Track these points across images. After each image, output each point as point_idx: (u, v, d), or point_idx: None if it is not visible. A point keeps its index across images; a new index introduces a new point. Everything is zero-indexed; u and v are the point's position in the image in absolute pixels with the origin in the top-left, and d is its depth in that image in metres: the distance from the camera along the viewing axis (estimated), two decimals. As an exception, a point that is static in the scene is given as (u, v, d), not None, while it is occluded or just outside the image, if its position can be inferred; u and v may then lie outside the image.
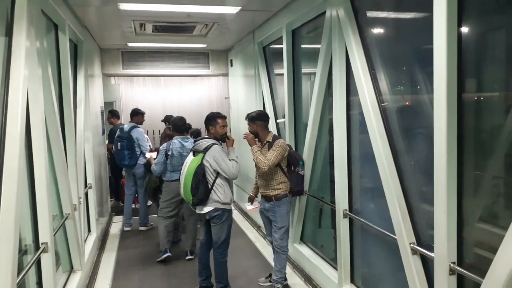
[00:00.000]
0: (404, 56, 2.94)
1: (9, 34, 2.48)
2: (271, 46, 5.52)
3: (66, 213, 3.62)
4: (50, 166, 3.49)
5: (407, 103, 2.94)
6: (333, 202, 3.85)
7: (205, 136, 3.86)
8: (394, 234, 2.68)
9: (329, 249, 4.25)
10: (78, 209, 4.06)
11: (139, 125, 6.13)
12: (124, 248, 5.47)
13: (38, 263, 2.76)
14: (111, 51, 7.14)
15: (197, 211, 3.77)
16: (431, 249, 2.34)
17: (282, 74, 4.80)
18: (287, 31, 4.55)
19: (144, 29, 5.48)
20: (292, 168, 3.91)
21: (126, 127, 6.01)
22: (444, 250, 2.14)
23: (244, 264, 4.74)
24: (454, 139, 2.08)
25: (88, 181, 5.14)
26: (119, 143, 5.95)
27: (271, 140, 3.79)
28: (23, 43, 2.49)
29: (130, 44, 6.69)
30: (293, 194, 3.98)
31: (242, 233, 5.94)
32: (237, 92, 7.32)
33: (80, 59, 4.99)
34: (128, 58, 7.27)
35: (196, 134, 5.63)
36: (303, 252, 4.41)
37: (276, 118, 5.32)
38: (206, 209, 3.67)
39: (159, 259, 4.82)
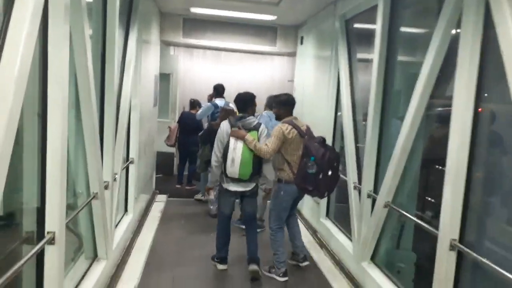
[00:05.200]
0: None
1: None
2: (356, 24, 4.57)
3: (93, 192, 3.00)
4: (76, 133, 2.89)
5: None
6: (425, 220, 3.01)
7: (244, 114, 3.90)
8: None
9: (408, 277, 3.36)
10: (111, 188, 3.45)
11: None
12: (163, 232, 4.90)
13: (40, 257, 2.12)
14: (172, 17, 6.51)
15: (235, 188, 3.81)
16: None
17: (367, 60, 3.91)
18: (385, -3, 3.59)
19: (210, -11, 4.75)
20: (305, 162, 3.62)
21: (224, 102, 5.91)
22: None
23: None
24: None
25: (130, 155, 4.56)
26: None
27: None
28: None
29: (192, 10, 6.01)
30: (298, 187, 3.75)
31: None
32: (304, 75, 6.41)
33: (134, 16, 4.35)
34: (189, 26, 6.61)
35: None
36: (374, 276, 3.51)
37: (354, 112, 4.40)
38: (251, 185, 3.84)
39: None
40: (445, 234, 2.58)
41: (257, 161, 3.73)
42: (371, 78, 3.76)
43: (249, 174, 3.72)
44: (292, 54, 7.12)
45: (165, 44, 7.18)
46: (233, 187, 3.82)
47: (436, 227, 2.66)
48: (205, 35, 6.69)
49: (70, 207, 2.85)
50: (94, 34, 3.27)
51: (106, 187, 3.32)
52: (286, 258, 3.97)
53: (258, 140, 3.73)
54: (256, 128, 3.79)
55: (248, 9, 5.68)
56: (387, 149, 3.65)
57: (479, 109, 2.45)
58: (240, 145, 3.68)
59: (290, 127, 3.77)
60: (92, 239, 3.28)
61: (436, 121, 3.21)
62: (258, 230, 4.32)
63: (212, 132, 4.50)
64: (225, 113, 4.60)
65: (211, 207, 5.60)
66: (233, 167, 3.69)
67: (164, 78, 7.44)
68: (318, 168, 3.58)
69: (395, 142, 3.25)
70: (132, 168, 4.56)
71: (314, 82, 5.82)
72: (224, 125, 3.82)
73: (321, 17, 5.53)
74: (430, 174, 3.28)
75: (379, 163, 3.79)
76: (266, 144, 3.69)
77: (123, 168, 4.16)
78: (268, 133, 3.87)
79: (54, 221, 2.12)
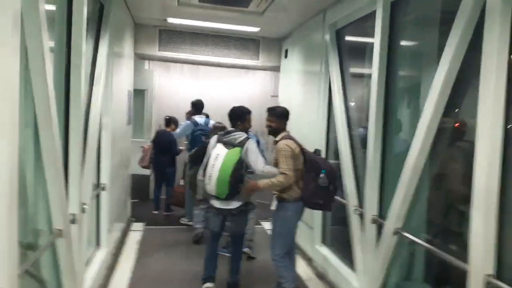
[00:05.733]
0: None
1: None
2: (348, 35, 4.25)
3: (56, 229, 2.48)
4: (34, 158, 2.39)
5: None
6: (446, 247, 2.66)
7: (231, 129, 3.75)
8: None
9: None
10: (79, 221, 2.92)
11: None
12: (143, 266, 4.35)
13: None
14: (147, 28, 6.06)
15: (219, 205, 3.62)
16: None
17: (361, 74, 3.63)
18: (384, 2, 3.28)
19: (190, -3, 4.35)
20: (313, 176, 3.40)
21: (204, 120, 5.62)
22: None
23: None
24: None
25: (101, 181, 4.03)
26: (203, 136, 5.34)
27: (278, 140, 3.54)
28: None
29: (170, 20, 5.59)
30: (307, 205, 3.48)
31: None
32: (290, 90, 6.04)
33: (105, 26, 3.89)
34: (166, 38, 6.16)
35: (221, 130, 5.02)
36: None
37: (349, 127, 4.05)
38: (234, 204, 3.59)
39: None
40: (477, 269, 2.20)
41: (235, 181, 3.48)
42: (370, 92, 3.42)
43: (225, 194, 3.51)
44: (276, 69, 6.78)
45: (140, 58, 6.71)
46: (217, 204, 3.64)
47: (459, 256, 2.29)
48: (183, 48, 6.26)
49: (29, 247, 2.37)
50: (58, 45, 2.82)
51: (72, 221, 2.80)
52: (295, 284, 3.55)
53: (240, 158, 3.48)
54: (242, 144, 3.55)
55: (231, 20, 5.31)
56: (392, 167, 3.31)
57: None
58: (219, 162, 3.50)
59: (293, 142, 3.49)
60: (58, 284, 2.73)
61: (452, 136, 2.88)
62: (245, 249, 4.24)
63: (205, 150, 4.10)
64: (216, 130, 4.38)
65: (196, 225, 5.13)
66: (210, 185, 3.53)
67: (139, 94, 6.97)
68: (329, 180, 3.40)
69: (401, 159, 2.92)
70: (104, 195, 4.02)
71: (301, 97, 5.45)
72: (212, 140, 3.73)
73: (308, 28, 5.21)
74: (448, 194, 2.92)
75: (383, 183, 3.43)
76: (282, 171, 3.34)
77: (94, 196, 3.63)
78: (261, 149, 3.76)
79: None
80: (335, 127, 4.18)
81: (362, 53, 3.97)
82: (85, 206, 3.17)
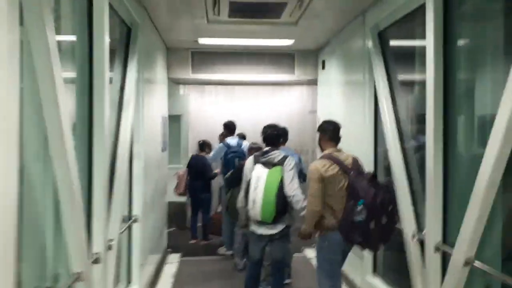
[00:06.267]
0: None
1: None
2: (394, 36, 3.82)
3: (75, 272, 2.21)
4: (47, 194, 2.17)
5: None
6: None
7: (270, 147, 3.60)
8: None
9: None
10: (104, 260, 2.66)
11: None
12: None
13: None
14: (179, 51, 5.93)
15: (262, 231, 3.49)
16: None
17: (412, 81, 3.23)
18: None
19: (219, 13, 4.12)
20: (352, 206, 2.91)
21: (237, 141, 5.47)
22: None
23: None
24: None
25: (133, 212, 3.80)
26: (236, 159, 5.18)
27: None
28: None
29: (201, 41, 5.42)
30: (345, 240, 3.02)
31: None
32: (330, 104, 5.64)
33: (133, 52, 3.72)
34: (198, 60, 6.00)
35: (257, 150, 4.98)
36: None
37: (401, 140, 3.59)
38: (279, 227, 3.47)
39: None
40: None
41: (281, 201, 3.36)
42: (426, 98, 2.96)
43: (272, 217, 3.37)
44: (313, 82, 6.42)
45: (174, 83, 6.60)
46: (259, 230, 3.52)
47: None
48: (215, 69, 6.07)
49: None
50: (80, 75, 2.65)
51: (96, 261, 2.55)
52: None
53: (282, 176, 3.37)
54: (281, 162, 3.45)
55: (263, 33, 5.04)
56: (458, 182, 2.82)
57: None
58: (261, 184, 3.38)
59: (328, 162, 3.08)
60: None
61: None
62: (287, 281, 3.98)
63: (241, 172, 3.84)
64: (252, 151, 4.19)
65: (238, 260, 4.77)
66: (254, 209, 3.39)
67: (175, 119, 6.83)
68: (368, 214, 2.83)
69: (469, 172, 2.46)
70: (136, 228, 3.78)
71: (343, 110, 5.03)
72: (248, 162, 3.63)
73: (346, 34, 4.83)
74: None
75: (447, 202, 2.93)
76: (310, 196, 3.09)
77: (123, 230, 3.39)
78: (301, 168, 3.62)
79: None
80: (385, 140, 3.72)
81: (411, 55, 3.54)
82: (112, 243, 2.93)
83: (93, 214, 2.63)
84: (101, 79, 2.68)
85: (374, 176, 3.06)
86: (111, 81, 3.34)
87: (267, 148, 3.59)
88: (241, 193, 3.60)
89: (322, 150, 3.33)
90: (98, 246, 2.59)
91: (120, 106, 3.48)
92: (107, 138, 2.74)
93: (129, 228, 3.73)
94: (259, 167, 3.47)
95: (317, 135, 3.48)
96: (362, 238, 2.95)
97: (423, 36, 2.95)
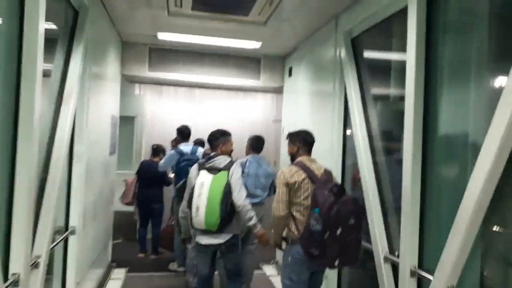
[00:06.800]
0: None
1: None
2: (368, 42, 3.58)
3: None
4: None
5: None
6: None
7: (213, 153, 3.51)
8: None
9: None
10: (25, 280, 2.16)
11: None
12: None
13: None
14: (136, 46, 5.45)
15: (207, 241, 3.29)
16: None
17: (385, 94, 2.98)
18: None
19: (181, 4, 3.73)
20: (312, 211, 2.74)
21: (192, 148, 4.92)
22: None
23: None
24: None
25: (70, 223, 3.28)
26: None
27: None
28: None
29: (161, 36, 4.97)
30: (304, 251, 2.78)
31: None
32: (296, 113, 5.35)
33: (79, 36, 3.24)
34: (157, 57, 5.54)
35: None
36: None
37: (373, 152, 3.34)
38: (225, 236, 3.28)
39: None
40: None
41: (227, 208, 3.20)
42: (405, 113, 2.71)
43: (216, 225, 3.20)
44: (278, 90, 6.15)
45: (128, 81, 6.08)
46: (203, 240, 3.31)
47: None
48: (175, 68, 5.63)
49: None
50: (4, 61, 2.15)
51: (15, 283, 2.06)
52: None
53: (228, 182, 3.24)
54: (228, 167, 3.33)
55: (229, 32, 4.68)
56: (437, 201, 2.59)
57: None
58: (205, 190, 3.23)
59: (296, 168, 2.93)
60: None
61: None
62: None
63: None
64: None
65: (190, 277, 4.35)
66: (198, 217, 3.21)
67: (128, 121, 6.31)
68: (324, 224, 2.63)
69: (451, 190, 2.25)
70: (72, 240, 3.26)
71: (309, 121, 4.75)
72: (193, 169, 3.45)
73: (316, 40, 4.58)
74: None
75: (424, 223, 2.68)
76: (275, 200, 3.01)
77: (56, 244, 2.87)
78: (254, 176, 3.75)
79: None
80: (356, 154, 3.46)
81: (387, 65, 3.32)
82: (39, 260, 2.43)
83: (14, 226, 2.14)
84: (31, 67, 2.19)
85: (340, 187, 2.80)
86: (49, 72, 2.86)
87: (212, 154, 3.46)
88: (183, 202, 3.41)
89: (292, 159, 3.19)
90: (17, 266, 2.10)
91: (59, 101, 3.00)
92: (36, 135, 2.25)
93: (65, 240, 3.22)
94: (203, 173, 3.33)
95: (286, 144, 3.25)
96: (318, 251, 2.71)
97: (401, 44, 2.72)
